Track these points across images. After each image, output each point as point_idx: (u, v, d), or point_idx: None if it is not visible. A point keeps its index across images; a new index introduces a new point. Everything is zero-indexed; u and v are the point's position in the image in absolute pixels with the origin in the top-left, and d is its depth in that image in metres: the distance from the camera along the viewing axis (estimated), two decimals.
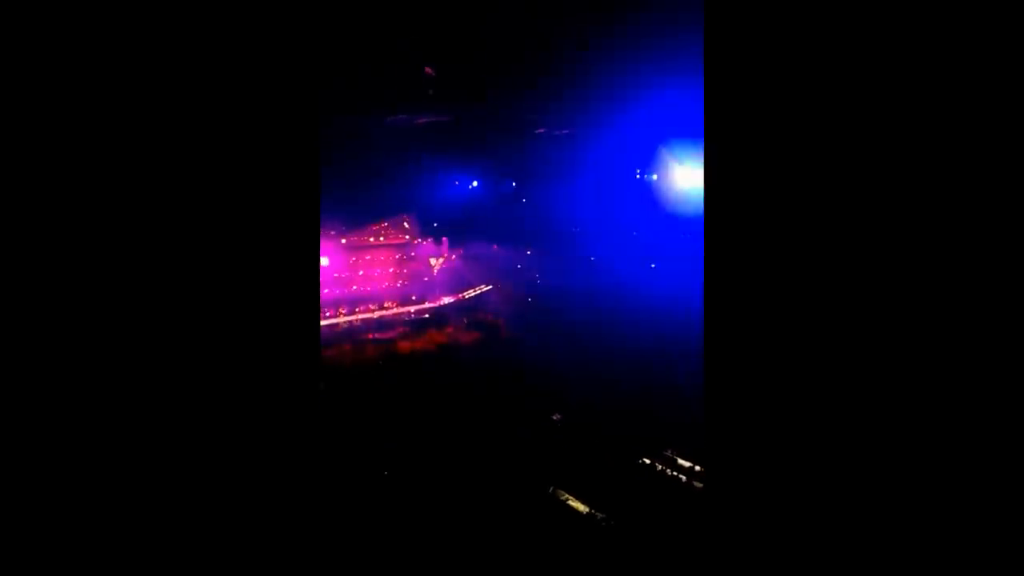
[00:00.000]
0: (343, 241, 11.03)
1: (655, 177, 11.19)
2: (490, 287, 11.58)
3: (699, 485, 6.95)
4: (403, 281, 11.48)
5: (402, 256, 11.48)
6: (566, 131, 9.99)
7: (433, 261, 11.43)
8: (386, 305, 11.31)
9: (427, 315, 11.44)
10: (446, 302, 11.49)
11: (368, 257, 11.26)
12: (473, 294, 11.54)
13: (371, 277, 11.31)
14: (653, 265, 11.11)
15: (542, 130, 10.17)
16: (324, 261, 10.81)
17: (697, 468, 7.15)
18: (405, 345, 10.64)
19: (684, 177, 10.57)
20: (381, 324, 11.11)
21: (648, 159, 11.08)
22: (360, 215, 10.97)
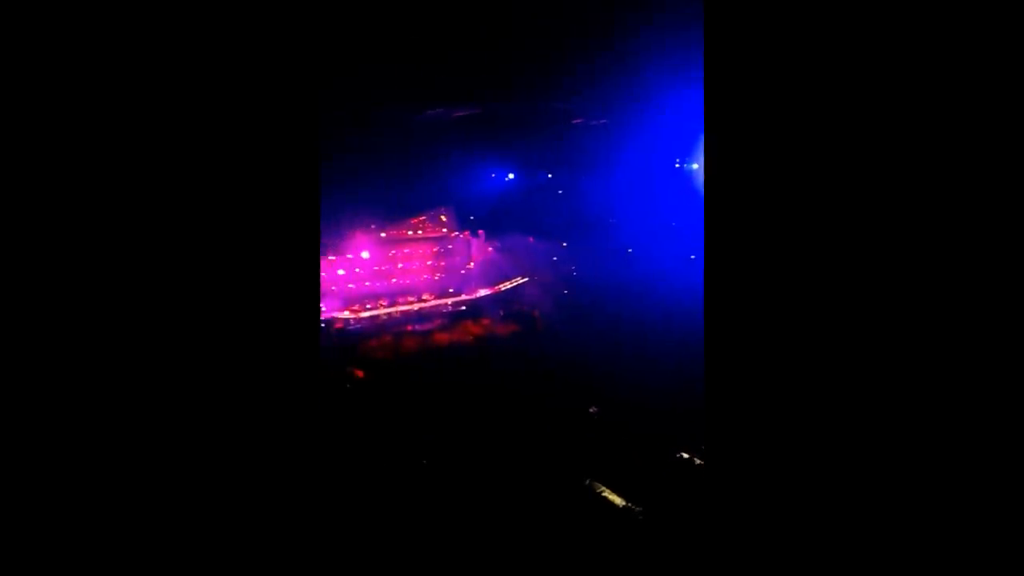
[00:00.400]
0: (383, 235, 11.25)
1: (695, 166, 10.91)
2: (526, 279, 11.60)
3: None
4: (440, 274, 11.63)
5: (440, 249, 11.62)
6: (603, 121, 9.86)
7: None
8: (424, 297, 11.48)
9: (464, 307, 11.55)
10: (482, 294, 11.58)
11: (407, 250, 11.45)
12: (509, 286, 11.58)
13: (410, 270, 11.50)
14: (692, 256, 10.86)
15: (578, 120, 10.07)
16: (365, 255, 11.06)
17: None
18: (443, 337, 10.79)
19: None
20: (420, 316, 11.30)
21: (688, 148, 10.80)
22: (399, 209, 11.16)
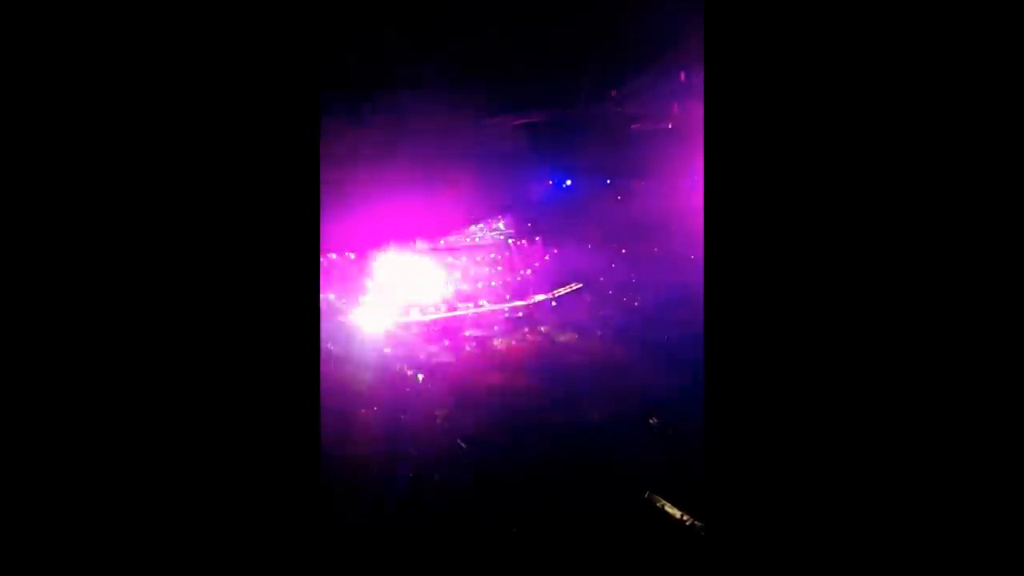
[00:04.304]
0: (441, 242, 11.48)
1: None
2: (581, 285, 11.50)
3: None
4: (497, 280, 11.72)
5: (496, 255, 11.72)
6: (665, 125, 9.67)
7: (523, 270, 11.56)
8: (481, 303, 11.60)
9: (520, 313, 11.58)
10: (538, 300, 11.58)
11: (464, 257, 11.62)
12: (564, 292, 11.52)
13: (467, 276, 11.66)
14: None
15: (638, 125, 9.92)
16: (426, 260, 11.33)
17: None
18: (499, 342, 10.86)
19: None
20: (476, 322, 11.43)
21: None
22: (457, 216, 11.34)
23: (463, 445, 7.99)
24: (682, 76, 8.82)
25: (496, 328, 11.19)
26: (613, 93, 9.12)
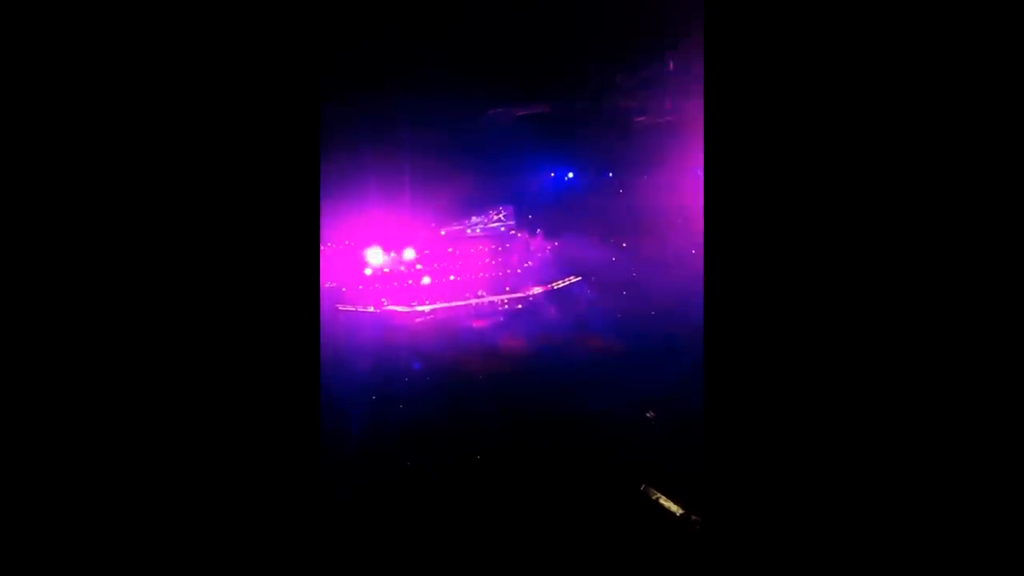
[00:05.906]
0: (442, 232, 11.45)
1: None
2: (579, 278, 11.51)
3: None
4: (498, 272, 11.72)
5: (497, 247, 11.71)
6: (668, 119, 9.62)
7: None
8: (480, 294, 11.60)
9: (519, 305, 11.59)
10: (536, 292, 11.58)
11: (465, 248, 11.61)
12: (561, 285, 11.53)
13: (467, 267, 11.65)
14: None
15: (642, 118, 9.87)
16: (425, 252, 11.32)
17: None
18: (498, 333, 10.88)
19: None
20: (476, 313, 11.44)
21: None
22: (457, 207, 11.32)
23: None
24: (671, 66, 8.77)
25: (494, 319, 11.20)
26: (618, 79, 9.08)
